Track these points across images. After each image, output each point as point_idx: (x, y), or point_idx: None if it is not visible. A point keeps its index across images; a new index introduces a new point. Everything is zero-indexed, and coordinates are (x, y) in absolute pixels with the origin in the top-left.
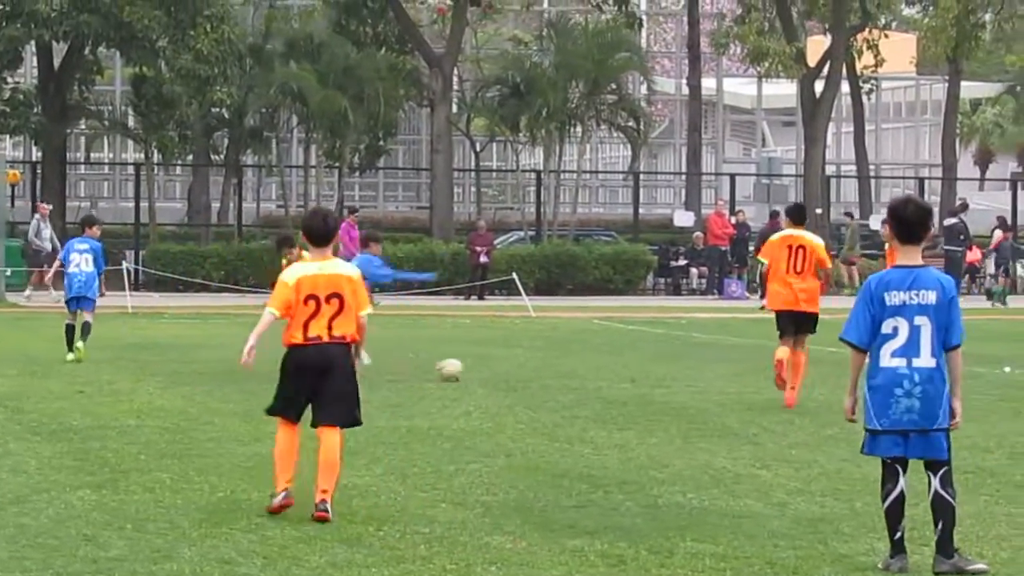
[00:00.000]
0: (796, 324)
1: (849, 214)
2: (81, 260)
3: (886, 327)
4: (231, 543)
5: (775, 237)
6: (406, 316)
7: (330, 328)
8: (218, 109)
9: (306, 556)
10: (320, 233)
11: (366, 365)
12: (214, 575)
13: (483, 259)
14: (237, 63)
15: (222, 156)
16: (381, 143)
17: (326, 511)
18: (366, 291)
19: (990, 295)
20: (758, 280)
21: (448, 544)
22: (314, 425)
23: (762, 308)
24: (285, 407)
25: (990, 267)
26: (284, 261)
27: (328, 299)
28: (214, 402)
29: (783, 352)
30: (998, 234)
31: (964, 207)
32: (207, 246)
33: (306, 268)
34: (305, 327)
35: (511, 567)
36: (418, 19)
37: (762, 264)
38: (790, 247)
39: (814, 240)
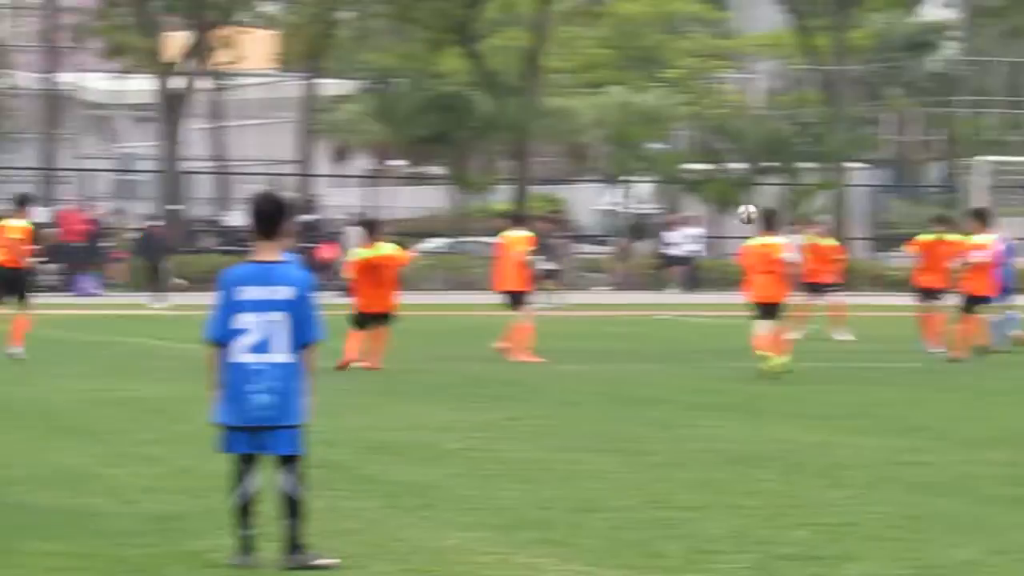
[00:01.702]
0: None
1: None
2: None
3: (239, 322)
4: None
5: (363, 254)
6: None
7: None
8: None
9: None
10: None
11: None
12: None
13: None
14: None
15: None
16: None
17: None
18: None
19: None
20: None
21: None
22: None
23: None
24: None
25: None
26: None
27: None
28: None
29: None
30: (354, 230)
31: (312, 203)
32: None
33: None
34: None
35: None
36: None
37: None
38: (368, 261)
39: (394, 252)
